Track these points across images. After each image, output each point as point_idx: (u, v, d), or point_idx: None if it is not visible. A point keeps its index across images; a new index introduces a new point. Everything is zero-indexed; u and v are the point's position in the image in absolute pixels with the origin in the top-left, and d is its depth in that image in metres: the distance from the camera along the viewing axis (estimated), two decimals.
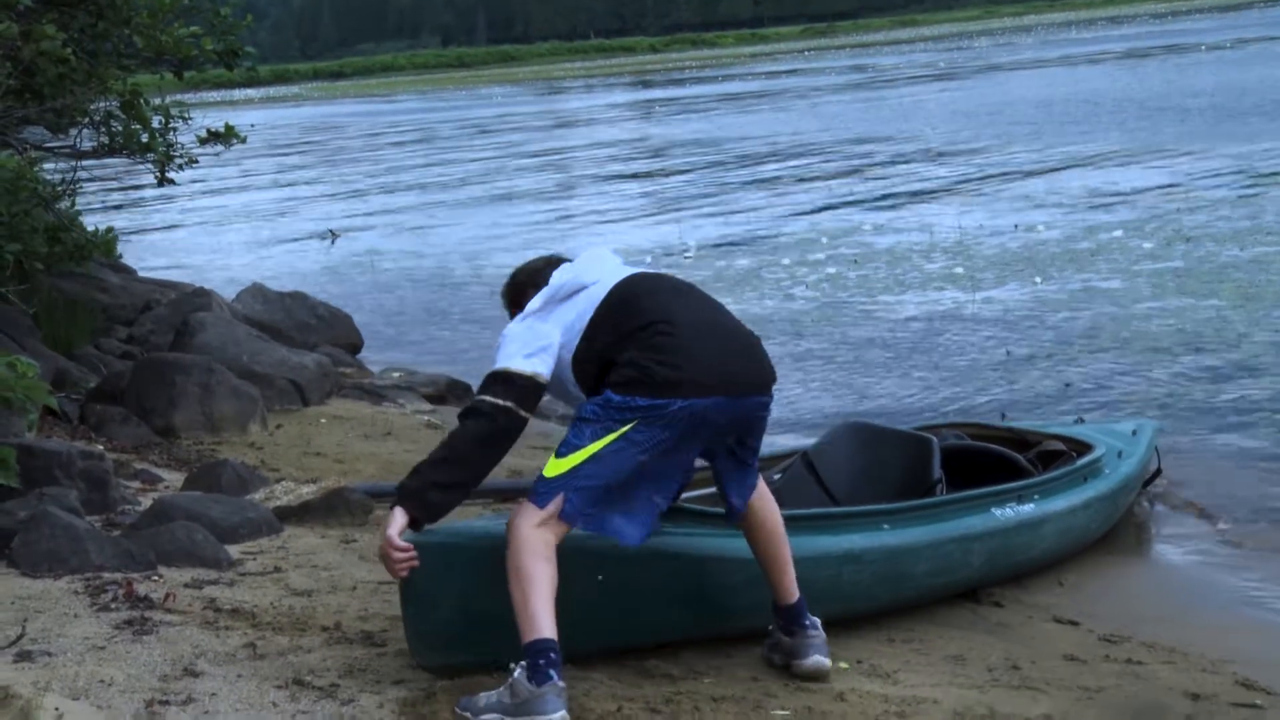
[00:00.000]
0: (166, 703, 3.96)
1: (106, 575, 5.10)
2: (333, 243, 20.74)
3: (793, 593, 4.63)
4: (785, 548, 4.65)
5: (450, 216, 22.80)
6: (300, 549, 5.82)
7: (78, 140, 10.11)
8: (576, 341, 4.47)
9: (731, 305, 12.98)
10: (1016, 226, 15.70)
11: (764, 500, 4.67)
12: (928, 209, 18.00)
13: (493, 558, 4.26)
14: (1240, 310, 10.75)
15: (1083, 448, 6.33)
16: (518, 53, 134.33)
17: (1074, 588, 5.87)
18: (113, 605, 4.78)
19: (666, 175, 26.41)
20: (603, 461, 4.28)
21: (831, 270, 14.38)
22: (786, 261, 15.15)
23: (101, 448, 7.22)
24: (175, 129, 9.68)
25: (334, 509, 6.38)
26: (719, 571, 4.71)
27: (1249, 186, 16.94)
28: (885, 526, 5.21)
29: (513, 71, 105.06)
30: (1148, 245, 13.73)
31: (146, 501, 6.30)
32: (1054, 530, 5.82)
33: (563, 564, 4.20)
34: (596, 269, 4.67)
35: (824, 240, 16.29)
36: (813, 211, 19.09)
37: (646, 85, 66.28)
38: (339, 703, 4.05)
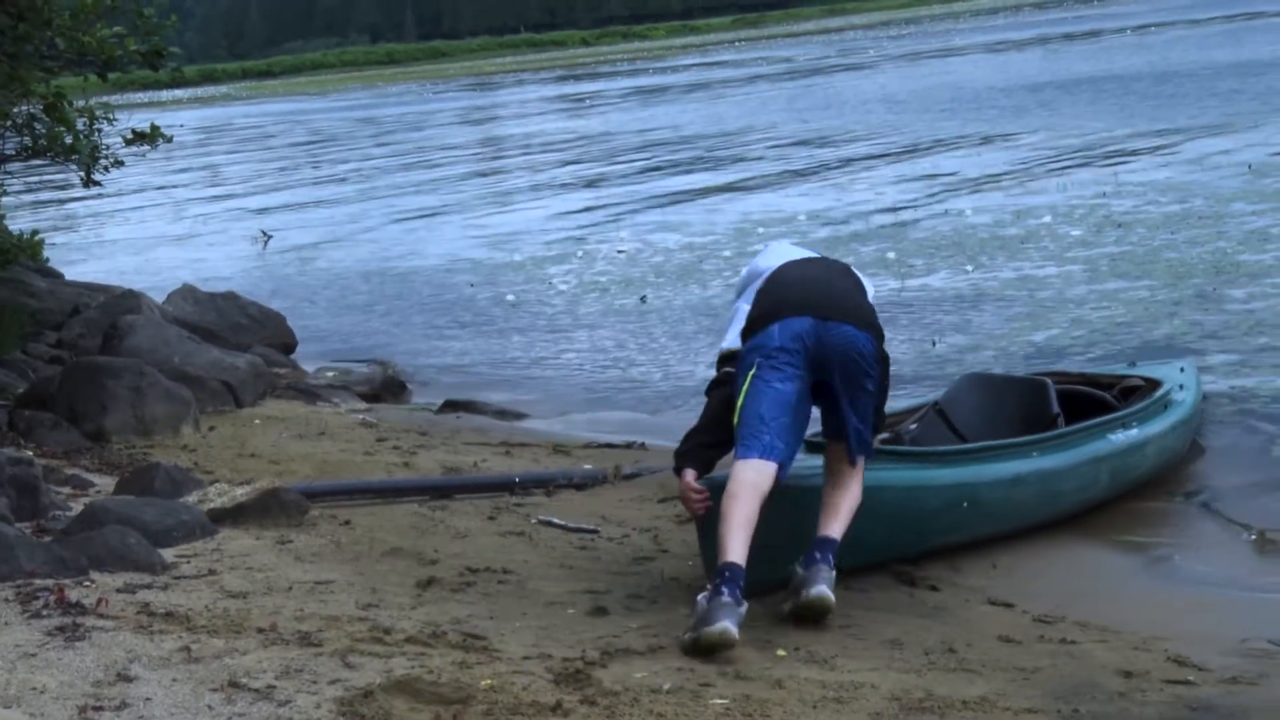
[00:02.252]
0: (100, 708, 3.92)
1: (37, 582, 5.04)
2: (265, 243, 20.59)
3: (832, 529, 5.27)
4: (840, 494, 5.35)
5: (384, 214, 22.69)
6: (235, 551, 5.78)
7: (0, 144, 9.99)
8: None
9: (672, 298, 13.14)
10: (946, 212, 15.79)
11: (855, 482, 5.39)
12: (858, 195, 18.08)
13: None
14: (1172, 291, 10.85)
15: (1153, 383, 7.09)
16: (448, 48, 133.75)
17: (1008, 570, 5.91)
18: (44, 612, 4.73)
19: (601, 167, 26.39)
20: (751, 400, 5.29)
21: None
22: (725, 254, 15.17)
23: (31, 454, 7.14)
24: (100, 131, 9.58)
25: (269, 510, 6.34)
26: (915, 499, 5.67)
27: (1178, 170, 17.11)
28: (1035, 454, 6.09)
29: (443, 67, 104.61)
30: (1077, 231, 13.84)
31: (77, 507, 6.23)
32: (1154, 450, 6.67)
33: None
34: (773, 258, 5.87)
35: (760, 230, 16.33)
36: (747, 201, 19.14)
37: (578, 79, 66.21)
38: (275, 704, 4.02)
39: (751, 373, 5.36)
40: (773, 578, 5.24)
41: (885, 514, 5.59)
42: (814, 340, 5.33)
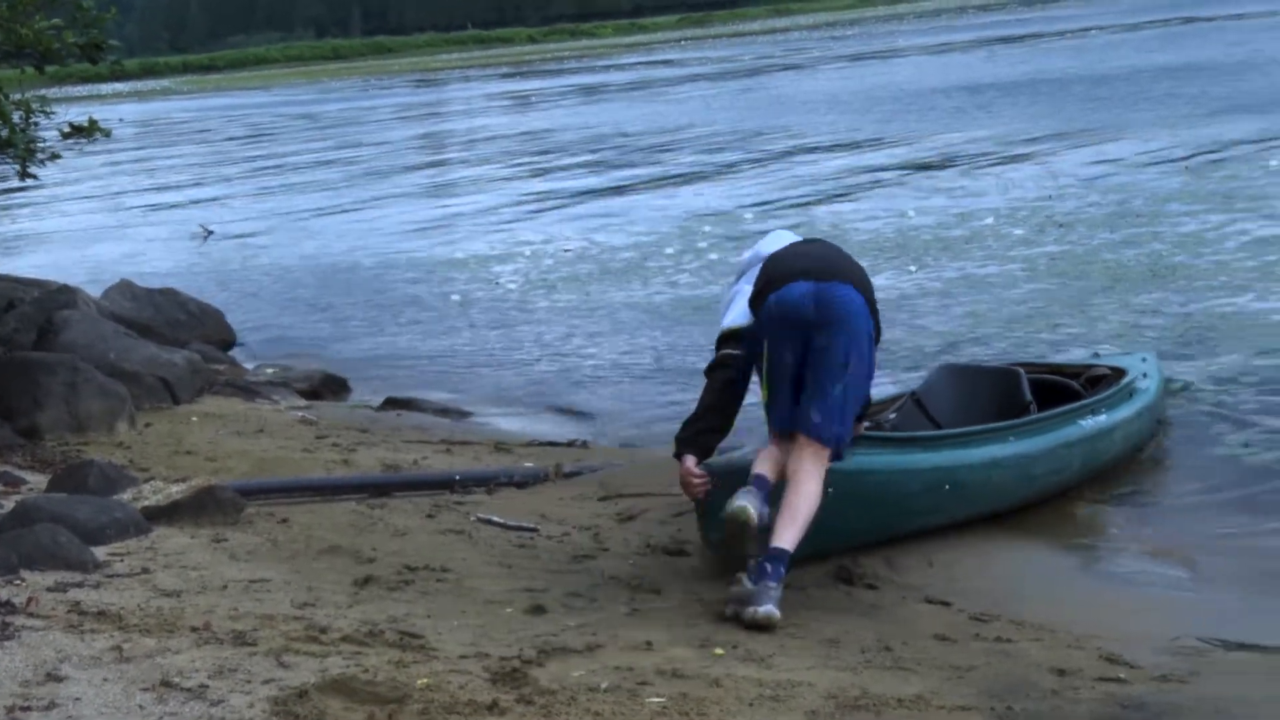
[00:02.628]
0: (28, 709, 3.87)
1: None
2: (205, 238, 20.43)
3: (784, 539, 5.34)
4: (796, 497, 5.44)
5: (328, 211, 22.58)
6: (169, 549, 5.72)
7: None
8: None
9: (616, 295, 13.15)
10: (887, 212, 15.85)
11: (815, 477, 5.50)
12: (803, 194, 18.13)
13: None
14: (1111, 292, 10.93)
15: (1118, 372, 7.37)
16: (393, 44, 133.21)
17: (945, 568, 5.93)
18: None
19: (547, 165, 26.36)
20: (770, 379, 5.61)
21: (714, 257, 14.42)
22: (670, 250, 15.17)
23: None
24: (37, 124, 9.48)
25: (204, 508, 6.28)
26: (899, 483, 5.90)
27: (1117, 171, 17.25)
28: (1011, 439, 6.34)
29: (389, 63, 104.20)
30: (1019, 231, 13.92)
31: (9, 504, 6.16)
32: (1122, 435, 6.95)
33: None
34: (774, 243, 6.08)
35: (706, 229, 16.35)
36: (693, 199, 19.17)
37: (525, 76, 66.09)
38: (208, 704, 3.98)
39: (766, 346, 5.65)
40: None
41: (870, 497, 5.85)
42: (811, 303, 5.58)
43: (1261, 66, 28.92)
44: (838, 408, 5.55)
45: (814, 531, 5.43)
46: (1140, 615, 5.40)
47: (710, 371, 5.95)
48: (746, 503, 5.28)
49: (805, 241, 6.13)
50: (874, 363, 5.81)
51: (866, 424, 6.15)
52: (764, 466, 5.52)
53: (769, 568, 5.23)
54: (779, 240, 6.18)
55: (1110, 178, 16.72)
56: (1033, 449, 6.41)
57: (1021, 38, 51.95)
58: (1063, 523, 6.58)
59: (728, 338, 5.94)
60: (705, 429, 5.82)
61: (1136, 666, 4.74)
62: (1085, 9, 70.30)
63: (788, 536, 5.33)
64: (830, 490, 5.53)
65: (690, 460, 5.75)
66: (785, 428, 5.60)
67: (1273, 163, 15.96)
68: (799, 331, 5.58)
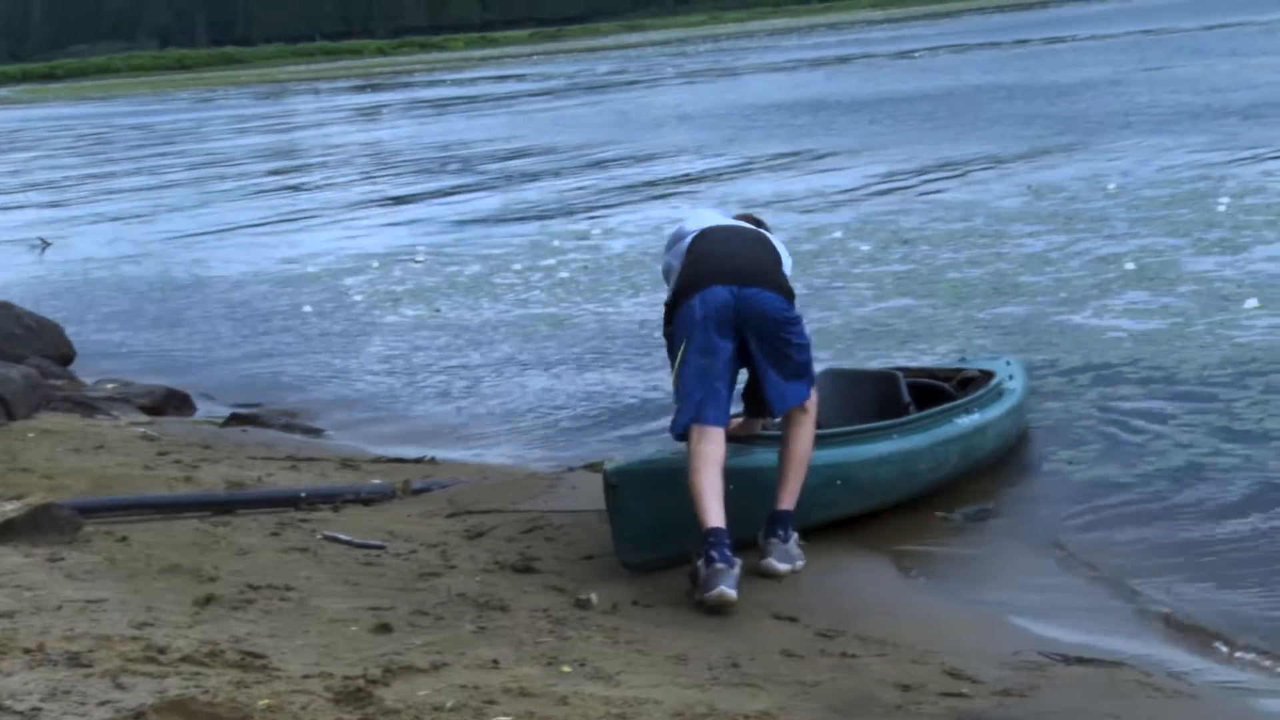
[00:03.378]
0: None
1: None
2: (43, 250, 19.96)
3: (782, 501, 6.05)
4: (794, 466, 6.11)
5: (171, 223, 22.19)
6: (2, 569, 5.56)
7: None
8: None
9: (466, 312, 13.05)
10: None
11: (797, 427, 6.14)
12: (654, 211, 18.19)
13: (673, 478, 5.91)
14: (955, 309, 11.11)
15: (987, 374, 7.77)
16: (240, 55, 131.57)
17: (792, 583, 5.97)
18: None
19: (396, 178, 26.20)
20: (685, 371, 6.02)
21: (564, 275, 14.42)
22: (518, 267, 15.13)
23: None
24: None
25: (40, 526, 6.12)
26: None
27: (961, 190, 17.57)
28: (895, 436, 6.73)
29: (236, 74, 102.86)
30: (866, 247, 14.11)
31: None
32: (994, 433, 7.35)
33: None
34: (697, 221, 6.49)
35: (555, 244, 16.34)
36: (541, 215, 19.15)
37: (374, 88, 65.61)
38: None
39: (683, 346, 6.05)
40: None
41: (770, 493, 6.15)
42: (732, 307, 6.00)
43: (1098, 88, 29.70)
44: (795, 373, 6.13)
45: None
46: (982, 630, 5.49)
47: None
48: (725, 588, 5.54)
49: (728, 230, 6.44)
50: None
51: (762, 425, 6.52)
52: (714, 502, 5.79)
53: (775, 527, 6.04)
54: (702, 219, 6.55)
55: (954, 196, 17.02)
56: (915, 445, 6.81)
57: (867, 56, 52.78)
58: (909, 538, 6.66)
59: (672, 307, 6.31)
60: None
61: (979, 681, 4.80)
62: (934, 29, 71.64)
63: (788, 497, 6.09)
64: (732, 487, 5.93)
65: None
66: (709, 423, 5.96)
67: (1110, 184, 16.36)
68: (725, 332, 6.04)
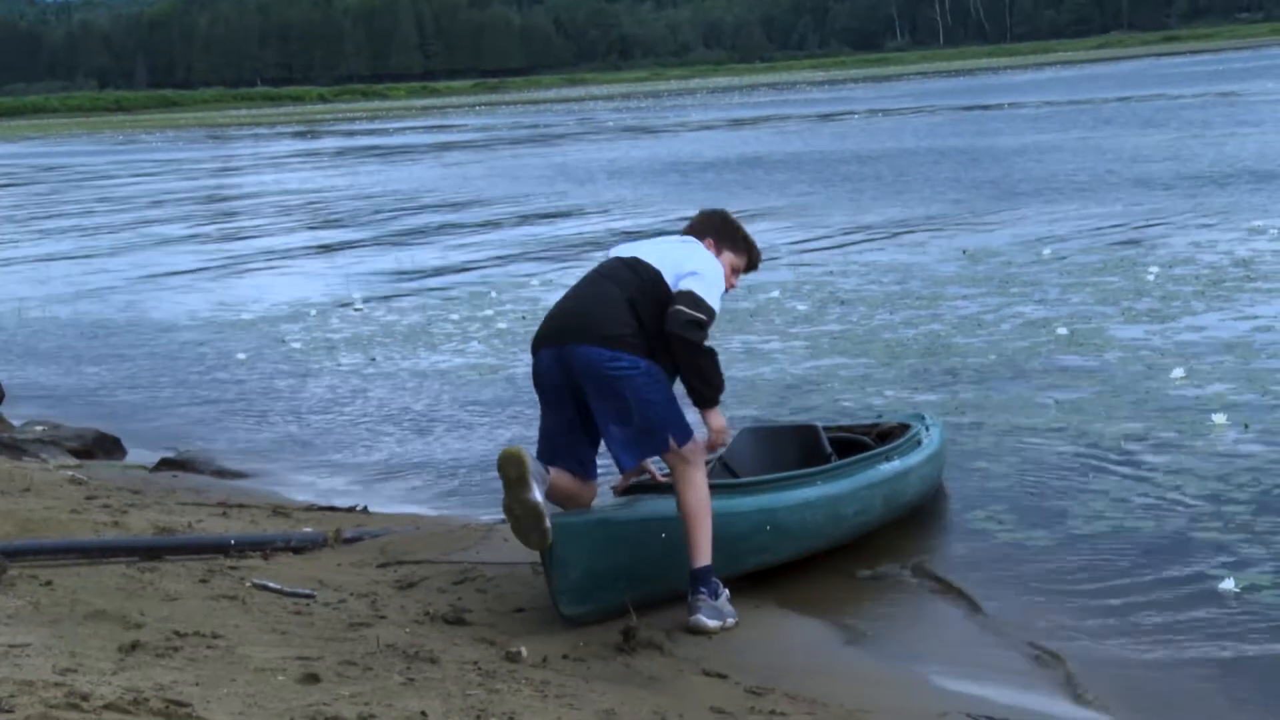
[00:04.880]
0: None
1: None
2: None
3: (692, 559, 5.99)
4: (688, 522, 6.00)
5: (105, 265, 22.04)
6: None
7: None
8: None
9: (402, 361, 13.02)
10: None
11: (680, 483, 6.03)
12: (592, 261, 18.20)
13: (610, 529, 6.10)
14: (889, 370, 11.20)
15: (904, 426, 7.98)
16: (180, 98, 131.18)
17: (724, 640, 5.98)
18: None
19: (336, 225, 26.13)
20: (542, 423, 6.22)
21: (503, 326, 14.42)
22: (456, 317, 15.13)
23: None
24: None
25: None
26: (725, 525, 6.26)
27: (898, 251, 17.74)
28: (820, 482, 6.86)
29: (175, 117, 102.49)
30: (803, 307, 14.20)
31: None
32: (916, 479, 7.52)
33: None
34: (619, 249, 6.47)
35: (493, 295, 16.35)
36: (482, 265, 19.18)
37: (316, 135, 65.49)
38: None
39: (544, 407, 6.22)
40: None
41: (657, 542, 6.21)
42: (560, 369, 6.04)
43: (1032, 154, 30.13)
44: (645, 425, 6.02)
45: (651, 576, 6.16)
46: (909, 690, 5.51)
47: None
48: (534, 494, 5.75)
49: (594, 274, 6.38)
50: (652, 368, 6.09)
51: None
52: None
53: (696, 585, 6.00)
54: (620, 250, 6.49)
55: (891, 257, 17.19)
56: (840, 490, 6.95)
57: (808, 117, 53.23)
58: (837, 596, 6.70)
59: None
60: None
61: None
62: (871, 91, 72.36)
63: (692, 557, 5.99)
64: (664, 536, 6.11)
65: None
66: (563, 468, 6.14)
67: (1045, 250, 16.57)
68: (561, 396, 6.12)
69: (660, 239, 6.61)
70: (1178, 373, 10.23)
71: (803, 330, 13.08)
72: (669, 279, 6.16)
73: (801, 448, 7.52)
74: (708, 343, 6.16)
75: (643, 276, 6.18)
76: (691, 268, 6.19)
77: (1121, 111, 43.44)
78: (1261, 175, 23.09)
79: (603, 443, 6.24)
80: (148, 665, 5.09)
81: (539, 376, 6.16)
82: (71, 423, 11.11)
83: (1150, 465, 8.28)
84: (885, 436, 7.89)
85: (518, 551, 6.67)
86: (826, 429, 7.89)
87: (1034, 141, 33.73)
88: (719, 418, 6.23)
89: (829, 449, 7.46)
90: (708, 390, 6.16)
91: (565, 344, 6.02)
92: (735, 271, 6.64)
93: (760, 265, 6.90)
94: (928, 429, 8.02)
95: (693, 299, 6.07)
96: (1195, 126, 34.50)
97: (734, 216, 6.81)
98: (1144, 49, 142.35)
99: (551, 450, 6.17)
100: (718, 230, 6.61)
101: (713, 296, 6.19)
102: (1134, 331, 11.84)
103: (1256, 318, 12.04)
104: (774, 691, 5.36)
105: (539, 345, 6.15)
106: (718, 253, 6.51)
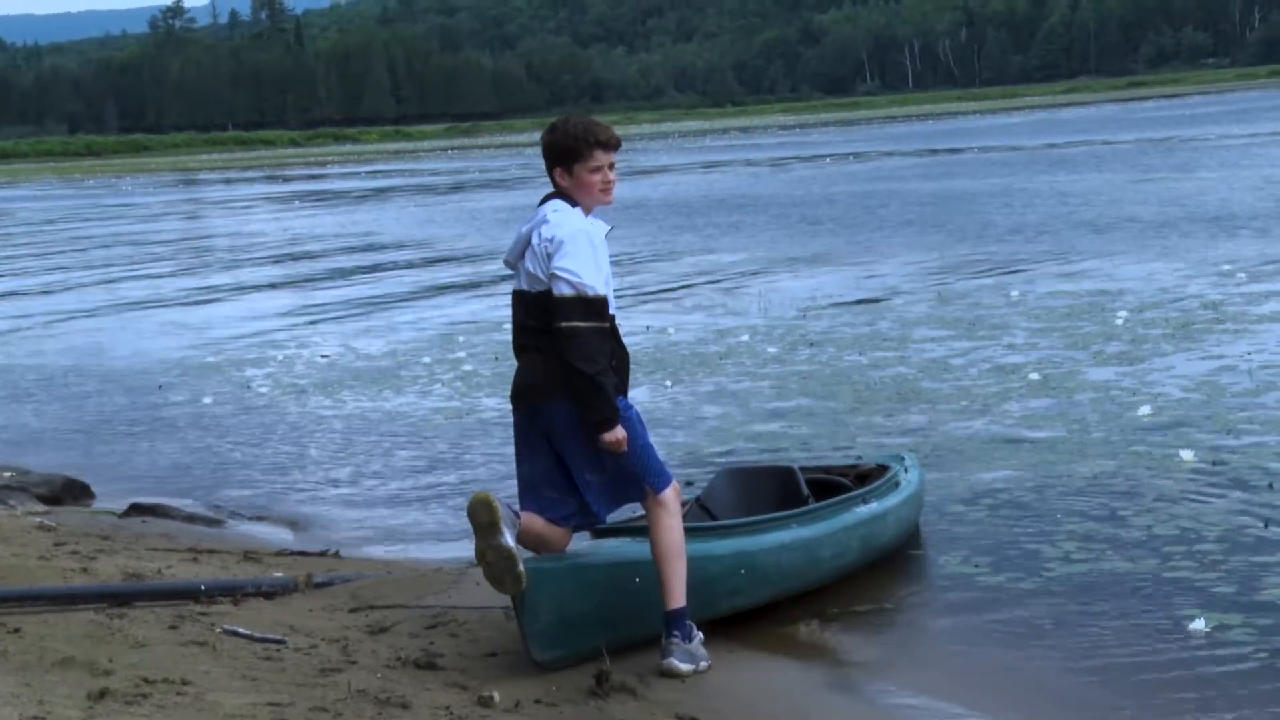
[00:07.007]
0: None
1: None
2: None
3: (666, 601, 5.99)
4: (662, 566, 5.99)
5: (72, 310, 21.96)
6: None
7: None
8: None
9: (367, 404, 13.01)
10: (648, 329, 16.06)
11: (654, 527, 6.03)
12: None
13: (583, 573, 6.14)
14: (857, 413, 11.22)
15: (882, 468, 8.01)
16: (150, 143, 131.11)
17: (697, 683, 5.96)
18: None
19: (303, 269, 26.10)
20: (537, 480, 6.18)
21: (469, 368, 14.41)
22: (426, 360, 15.12)
23: None
24: None
25: None
26: (700, 568, 6.28)
27: (869, 294, 17.82)
28: (796, 525, 6.87)
29: (146, 161, 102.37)
30: (773, 349, 14.23)
31: None
32: (893, 520, 7.52)
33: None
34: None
35: (462, 339, 16.35)
36: (453, 308, 19.20)
37: (287, 180, 65.48)
38: None
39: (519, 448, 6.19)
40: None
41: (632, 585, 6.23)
42: (538, 427, 6.06)
43: (1000, 197, 30.31)
44: (632, 468, 6.02)
45: (625, 620, 6.17)
46: None
47: None
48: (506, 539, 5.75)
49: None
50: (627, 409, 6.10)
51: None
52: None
53: (669, 628, 6.00)
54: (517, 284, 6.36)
55: (862, 299, 17.27)
56: (817, 533, 6.95)
57: (782, 160, 53.47)
58: (812, 639, 6.69)
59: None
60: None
61: None
62: (840, 135, 72.72)
63: (666, 599, 5.99)
64: (637, 580, 6.15)
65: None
66: (542, 514, 6.10)
67: (1014, 293, 16.66)
68: (538, 445, 6.12)
69: (525, 232, 6.22)
70: (1144, 410, 10.30)
71: (773, 371, 13.10)
72: (545, 280, 6.08)
73: (779, 489, 7.51)
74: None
75: (539, 310, 6.09)
76: (558, 261, 6.06)
77: (1093, 155, 43.75)
78: (1225, 219, 23.32)
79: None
80: (116, 713, 5.05)
81: (520, 430, 6.17)
82: (39, 468, 11.06)
83: (1120, 508, 8.28)
84: (864, 478, 7.92)
85: (490, 596, 6.65)
86: (805, 470, 7.89)
87: (1002, 184, 33.94)
88: (616, 432, 5.96)
89: (806, 491, 7.45)
90: (592, 414, 5.91)
91: (536, 401, 6.07)
92: (597, 170, 6.06)
93: (612, 137, 6.14)
94: (906, 470, 8.03)
95: (561, 304, 6.06)
96: (1167, 171, 34.73)
97: (559, 122, 6.21)
98: (1111, 94, 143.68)
99: (524, 494, 6.18)
100: (554, 155, 6.08)
101: (582, 272, 6.11)
102: (1104, 374, 11.90)
103: (1222, 357, 12.14)
104: None
105: (513, 400, 6.19)
106: (569, 174, 6.06)
